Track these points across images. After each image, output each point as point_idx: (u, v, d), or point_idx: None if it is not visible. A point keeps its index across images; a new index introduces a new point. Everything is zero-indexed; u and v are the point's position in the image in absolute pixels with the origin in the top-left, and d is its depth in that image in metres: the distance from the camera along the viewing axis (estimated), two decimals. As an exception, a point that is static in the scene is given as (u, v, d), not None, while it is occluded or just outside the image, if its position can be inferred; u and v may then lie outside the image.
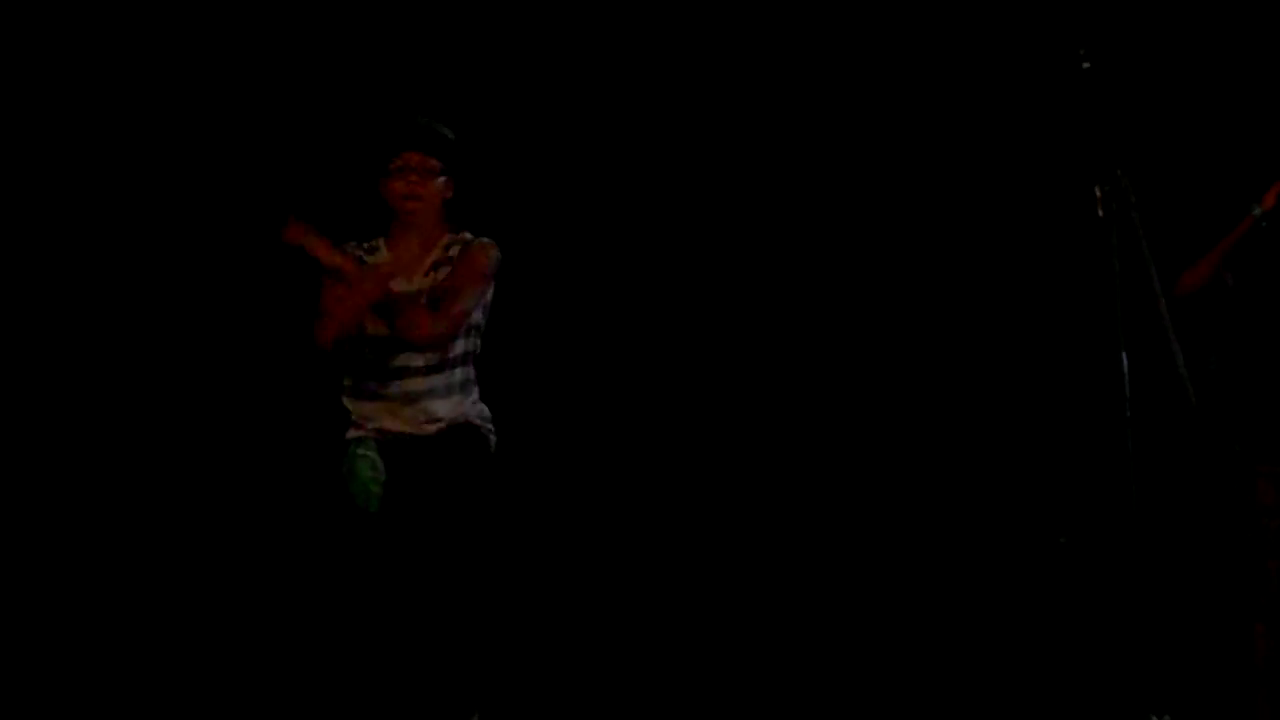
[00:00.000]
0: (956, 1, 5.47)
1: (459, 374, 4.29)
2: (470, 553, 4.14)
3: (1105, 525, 5.06)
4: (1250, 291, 4.46)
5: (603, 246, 5.59)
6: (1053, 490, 5.39)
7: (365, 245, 4.33)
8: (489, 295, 4.33)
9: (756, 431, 5.57)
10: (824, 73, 5.55)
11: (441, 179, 4.29)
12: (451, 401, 4.25)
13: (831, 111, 5.56)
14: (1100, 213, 3.80)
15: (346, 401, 4.31)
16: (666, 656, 5.37)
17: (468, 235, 4.35)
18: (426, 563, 4.10)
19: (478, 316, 4.31)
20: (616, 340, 5.58)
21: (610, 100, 5.58)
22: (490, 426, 4.34)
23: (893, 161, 5.54)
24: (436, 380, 4.24)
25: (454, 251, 4.30)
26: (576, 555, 5.48)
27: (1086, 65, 3.75)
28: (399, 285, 4.21)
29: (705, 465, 5.55)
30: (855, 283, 5.56)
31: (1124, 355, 3.79)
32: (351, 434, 4.28)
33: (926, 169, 5.53)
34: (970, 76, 5.46)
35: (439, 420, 4.24)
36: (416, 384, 4.22)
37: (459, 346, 4.28)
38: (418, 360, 4.22)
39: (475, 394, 4.34)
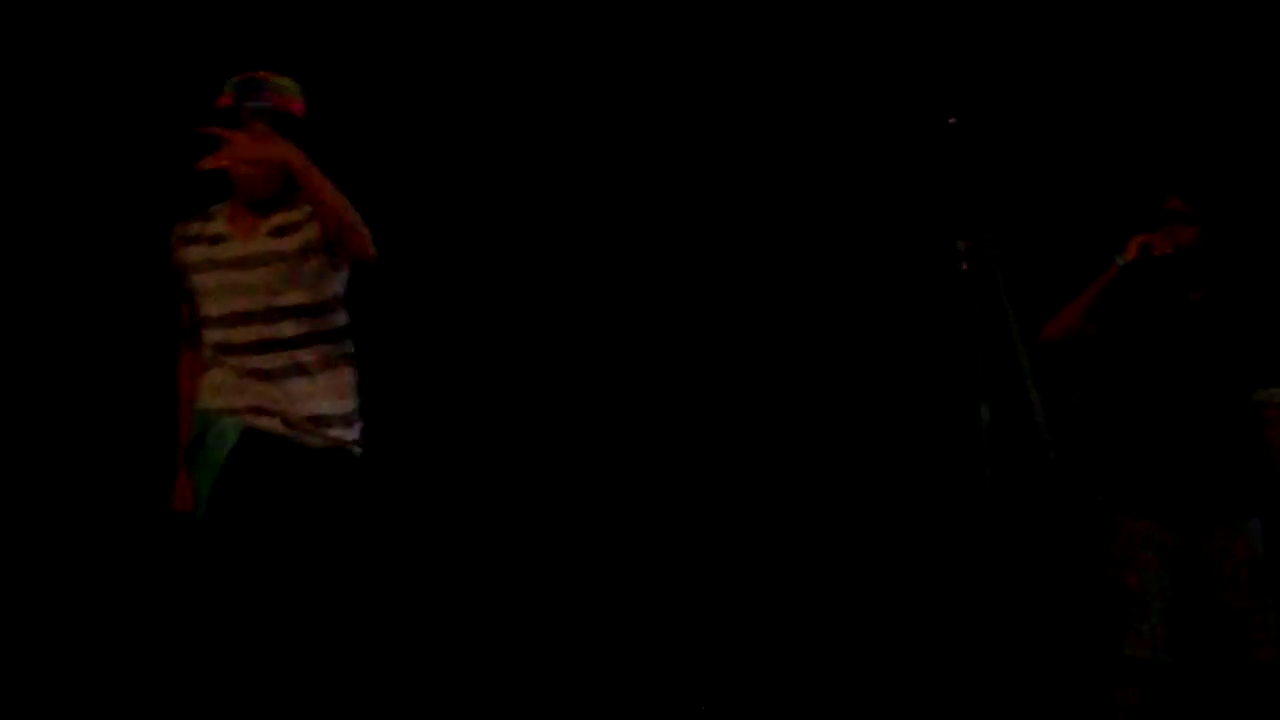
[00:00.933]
0: (825, 56, 5.49)
1: (334, 350, 3.98)
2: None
3: (965, 573, 5.09)
4: (1112, 343, 4.50)
5: (462, 217, 5.49)
6: (911, 537, 5.42)
7: (204, 213, 4.04)
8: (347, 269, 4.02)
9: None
10: (692, 119, 5.56)
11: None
12: (325, 388, 3.96)
13: (699, 155, 5.57)
14: (963, 266, 3.84)
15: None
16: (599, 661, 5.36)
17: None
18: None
19: (338, 289, 4.00)
20: (471, 330, 5.49)
21: (475, 72, 5.48)
22: (359, 437, 4.02)
23: (757, 212, 5.55)
24: (304, 355, 3.93)
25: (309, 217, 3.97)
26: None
27: (952, 121, 3.79)
28: (233, 250, 3.95)
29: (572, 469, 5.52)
30: (710, 325, 5.55)
31: (984, 406, 3.82)
32: (201, 404, 3.96)
33: (788, 223, 5.54)
34: (835, 130, 5.49)
35: (313, 420, 3.92)
36: (277, 360, 3.92)
37: (336, 319, 3.98)
38: (282, 330, 3.92)
39: (354, 381, 4.02)
